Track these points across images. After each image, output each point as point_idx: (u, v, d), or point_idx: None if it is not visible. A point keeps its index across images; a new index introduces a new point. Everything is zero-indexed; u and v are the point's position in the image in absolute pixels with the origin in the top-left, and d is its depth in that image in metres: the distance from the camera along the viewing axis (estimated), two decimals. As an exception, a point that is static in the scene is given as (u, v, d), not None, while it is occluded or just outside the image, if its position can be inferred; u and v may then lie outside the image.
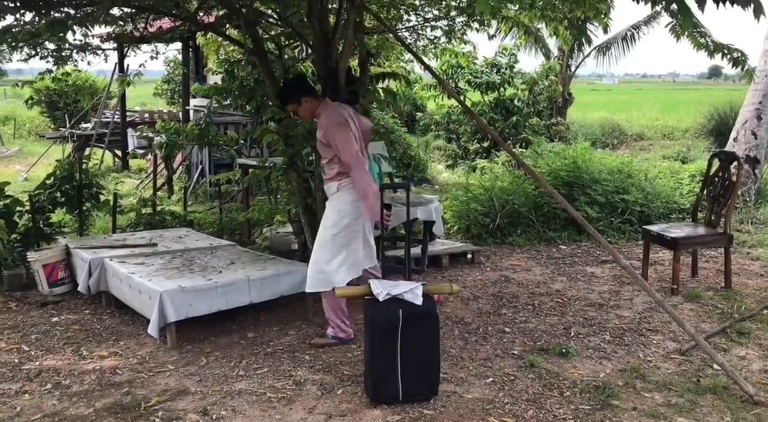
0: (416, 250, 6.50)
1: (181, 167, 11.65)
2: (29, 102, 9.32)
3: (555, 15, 6.59)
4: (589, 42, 16.70)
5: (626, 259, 6.78)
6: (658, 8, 4.34)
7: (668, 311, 4.48)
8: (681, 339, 4.87)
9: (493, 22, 7.59)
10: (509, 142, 12.69)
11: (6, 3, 5.58)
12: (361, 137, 4.67)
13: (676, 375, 4.26)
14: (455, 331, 5.05)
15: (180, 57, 14.58)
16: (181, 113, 13.02)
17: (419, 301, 3.84)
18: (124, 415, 3.72)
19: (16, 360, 4.51)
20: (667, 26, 5.02)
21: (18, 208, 6.53)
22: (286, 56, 6.88)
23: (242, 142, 9.56)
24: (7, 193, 6.55)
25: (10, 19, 5.91)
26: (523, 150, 12.20)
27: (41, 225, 6.66)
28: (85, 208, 7.13)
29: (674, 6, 3.99)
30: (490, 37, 8.53)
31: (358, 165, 4.41)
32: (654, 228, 6.38)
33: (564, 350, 4.62)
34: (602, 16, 6.00)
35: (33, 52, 6.62)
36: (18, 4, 5.63)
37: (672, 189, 9.37)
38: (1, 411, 3.78)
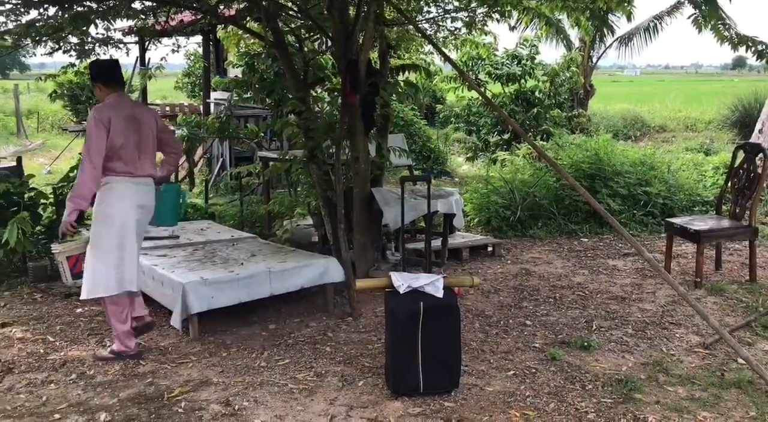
0: (437, 243, 6.51)
1: (202, 160, 11.71)
2: (53, 95, 9.44)
3: (576, 5, 6.53)
4: (612, 32, 16.54)
5: (649, 252, 6.73)
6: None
7: (692, 304, 4.44)
8: (705, 332, 4.82)
9: (514, 13, 7.53)
10: (530, 134, 12.61)
11: (30, -2, 5.64)
12: (140, 140, 4.41)
13: (700, 369, 4.22)
14: (476, 324, 5.04)
15: (200, 50, 14.64)
16: (201, 106, 13.08)
17: (440, 294, 3.83)
18: (148, 405, 3.76)
19: (42, 351, 4.58)
20: (689, 18, 4.95)
21: (42, 201, 6.61)
22: (306, 49, 6.88)
23: (262, 134, 9.59)
24: (31, 186, 6.62)
25: (33, 13, 5.98)
26: (545, 142, 12.12)
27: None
28: (108, 200, 7.19)
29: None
30: (512, 28, 8.47)
31: (88, 165, 4.15)
32: (677, 220, 6.31)
33: (586, 343, 4.59)
34: (625, 4, 5.93)
35: (56, 46, 6.68)
36: (41, -1, 5.68)
37: (695, 181, 9.26)
38: (28, 400, 3.84)
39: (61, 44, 6.65)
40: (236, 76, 10.17)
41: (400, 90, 6.84)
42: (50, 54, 6.88)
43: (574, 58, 14.57)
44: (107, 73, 4.48)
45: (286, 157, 6.84)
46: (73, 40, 6.67)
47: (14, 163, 7.32)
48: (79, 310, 5.43)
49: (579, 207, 8.07)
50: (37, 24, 6.02)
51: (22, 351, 4.56)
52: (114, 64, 4.64)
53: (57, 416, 3.65)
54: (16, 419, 3.62)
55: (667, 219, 6.71)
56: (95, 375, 4.17)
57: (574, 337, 4.74)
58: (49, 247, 6.23)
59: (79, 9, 5.86)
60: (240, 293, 4.89)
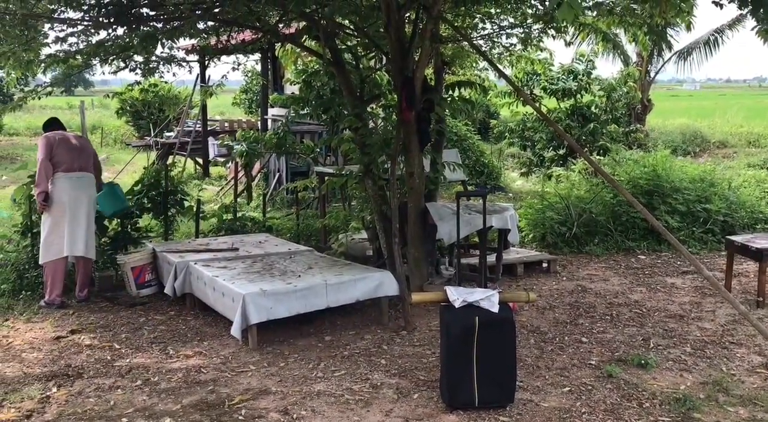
0: (491, 258, 6.52)
1: (259, 175, 11.96)
2: (119, 112, 9.79)
3: (634, 21, 6.50)
4: (670, 47, 16.28)
5: (709, 270, 6.60)
6: (743, 11, 4.25)
7: (754, 324, 4.35)
8: (767, 353, 4.71)
9: (570, 29, 7.53)
10: (586, 149, 12.50)
11: (101, 20, 5.92)
12: (74, 149, 6.16)
13: (762, 390, 4.13)
14: (531, 340, 5.03)
15: (258, 67, 14.98)
16: (259, 122, 13.37)
17: (495, 309, 3.85)
18: (210, 412, 3.88)
19: (109, 357, 4.76)
20: (753, 29, 4.89)
21: (108, 213, 6.84)
22: (362, 66, 7.01)
23: (318, 150, 9.76)
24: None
25: (103, 34, 6.27)
26: (601, 157, 12.00)
27: (129, 230, 6.98)
28: (170, 213, 7.43)
29: (762, 11, 3.90)
30: (567, 44, 8.45)
31: (42, 164, 5.95)
32: (738, 238, 6.18)
33: (643, 361, 4.54)
34: (685, 14, 5.88)
35: (123, 65, 6.96)
36: (112, 20, 5.95)
37: (757, 198, 9.04)
38: (97, 404, 4.00)
39: (128, 63, 6.93)
40: (293, 92, 10.38)
41: (455, 106, 6.89)
42: (115, 72, 7.17)
43: (632, 73, 14.41)
44: (53, 125, 6.38)
45: (342, 172, 6.96)
46: (139, 58, 6.95)
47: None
48: (142, 319, 5.62)
49: (636, 223, 7.97)
50: (106, 44, 6.31)
51: (91, 358, 4.75)
52: (55, 120, 6.58)
53: (124, 420, 3.79)
54: (86, 422, 3.79)
55: (727, 236, 6.57)
56: (159, 382, 4.32)
57: (631, 355, 4.68)
58: (114, 258, 6.47)
59: (146, 29, 6.13)
60: (298, 305, 4.99)
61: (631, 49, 16.79)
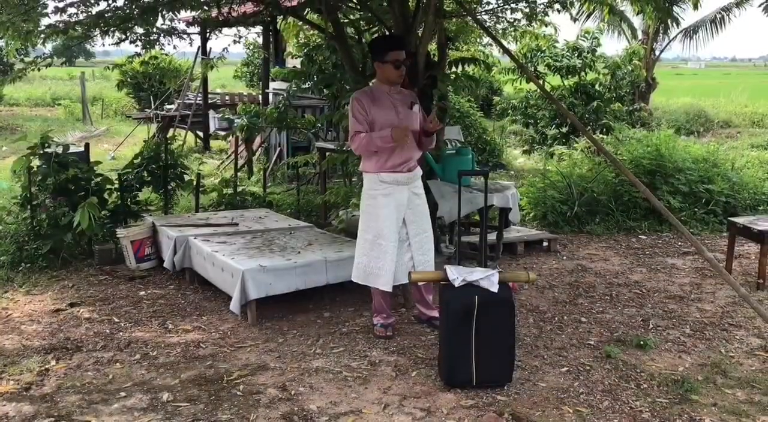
0: (491, 237, 6.49)
1: (260, 149, 11.91)
2: (120, 85, 9.72)
3: (641, -3, 6.42)
4: (678, 23, 16.14)
5: (710, 252, 6.58)
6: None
7: (753, 306, 4.34)
8: (766, 335, 4.71)
9: (576, 3, 7.42)
10: (589, 127, 12.43)
11: (101, -10, 5.83)
12: None
13: (761, 373, 4.13)
14: (530, 319, 5.03)
15: (260, 40, 14.85)
16: (260, 96, 13.29)
17: (495, 288, 3.84)
18: (208, 387, 3.88)
19: (108, 331, 4.76)
20: (760, 6, 4.83)
21: (108, 186, 6.82)
22: (365, 41, 6.93)
23: (320, 125, 9.70)
24: (97, 172, 6.85)
25: (102, 5, 6.18)
26: (604, 136, 11.94)
27: (129, 203, 6.95)
28: (170, 187, 7.40)
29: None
30: (573, 19, 8.35)
31: None
32: (740, 220, 6.15)
33: (642, 342, 4.54)
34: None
35: (123, 37, 6.87)
36: (111, -9, 5.87)
37: (761, 179, 9.00)
38: (96, 378, 4.01)
39: (128, 34, 6.84)
40: (294, 66, 10.29)
41: (459, 82, 6.82)
42: (117, 44, 7.08)
43: (637, 51, 14.27)
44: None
45: (343, 148, 6.91)
46: (139, 30, 6.86)
47: (81, 149, 7.56)
48: (142, 293, 5.61)
49: (638, 203, 7.94)
50: (106, 15, 6.22)
51: (90, 331, 4.76)
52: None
53: (122, 394, 3.80)
54: (84, 395, 3.79)
55: (729, 218, 6.54)
56: (158, 357, 4.32)
57: (630, 336, 4.68)
58: (114, 231, 6.45)
59: (146, 1, 6.04)
60: (297, 281, 4.99)
61: (637, 23, 16.66)
